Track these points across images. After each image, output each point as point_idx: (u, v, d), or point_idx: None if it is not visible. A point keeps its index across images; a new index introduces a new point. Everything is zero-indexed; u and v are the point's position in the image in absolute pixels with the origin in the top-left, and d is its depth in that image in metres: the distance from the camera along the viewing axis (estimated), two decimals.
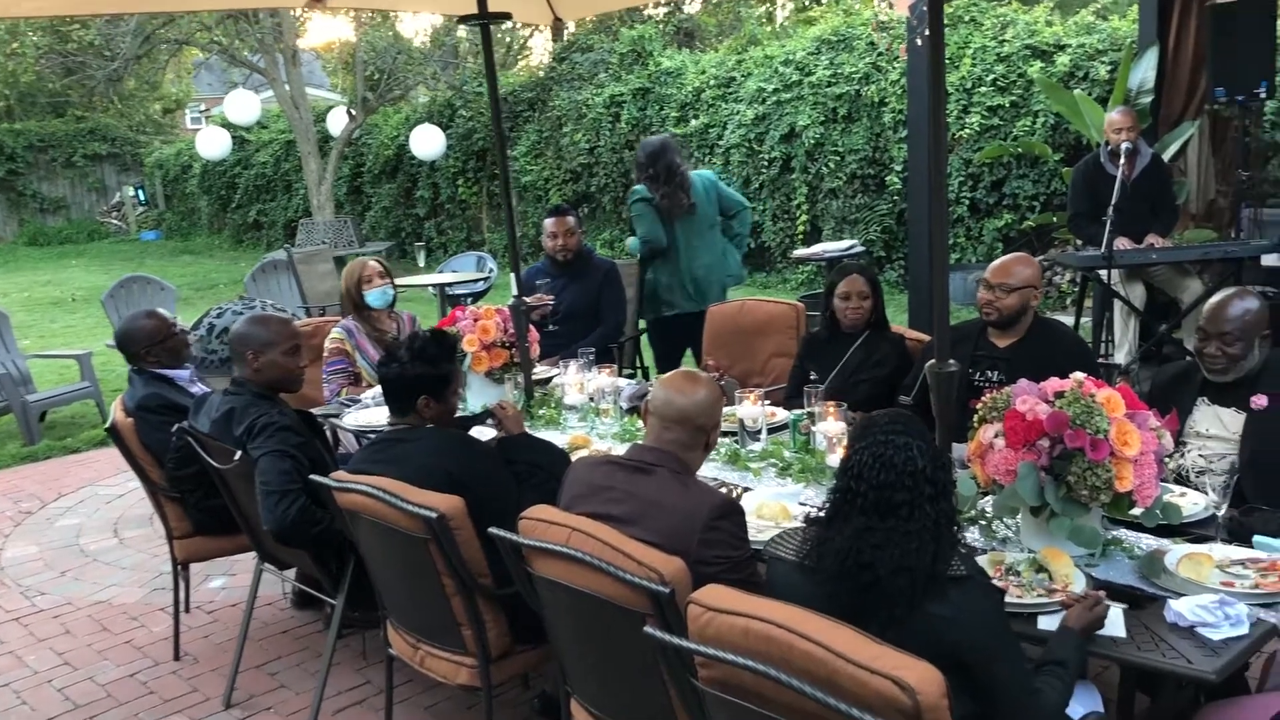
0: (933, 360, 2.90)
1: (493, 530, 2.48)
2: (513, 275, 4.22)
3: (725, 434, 3.65)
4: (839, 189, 10.29)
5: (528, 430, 3.41)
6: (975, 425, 2.71)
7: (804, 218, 10.59)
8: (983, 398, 2.76)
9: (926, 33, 5.08)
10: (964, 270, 9.04)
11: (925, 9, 4.95)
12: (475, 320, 4.17)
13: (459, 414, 3.27)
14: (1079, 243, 6.29)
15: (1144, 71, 6.77)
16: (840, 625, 1.79)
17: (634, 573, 2.21)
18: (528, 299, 5.13)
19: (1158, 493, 2.58)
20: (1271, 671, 2.28)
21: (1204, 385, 3.24)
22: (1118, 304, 5.95)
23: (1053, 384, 2.65)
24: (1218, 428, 3.18)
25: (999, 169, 9.19)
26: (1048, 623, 2.27)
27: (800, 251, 8.01)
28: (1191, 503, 2.85)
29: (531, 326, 4.47)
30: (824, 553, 1.98)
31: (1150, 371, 4.79)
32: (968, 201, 9.40)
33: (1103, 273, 5.70)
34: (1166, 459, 2.60)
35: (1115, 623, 2.26)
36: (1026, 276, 3.73)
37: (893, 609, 1.87)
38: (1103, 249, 5.47)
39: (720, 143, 11.23)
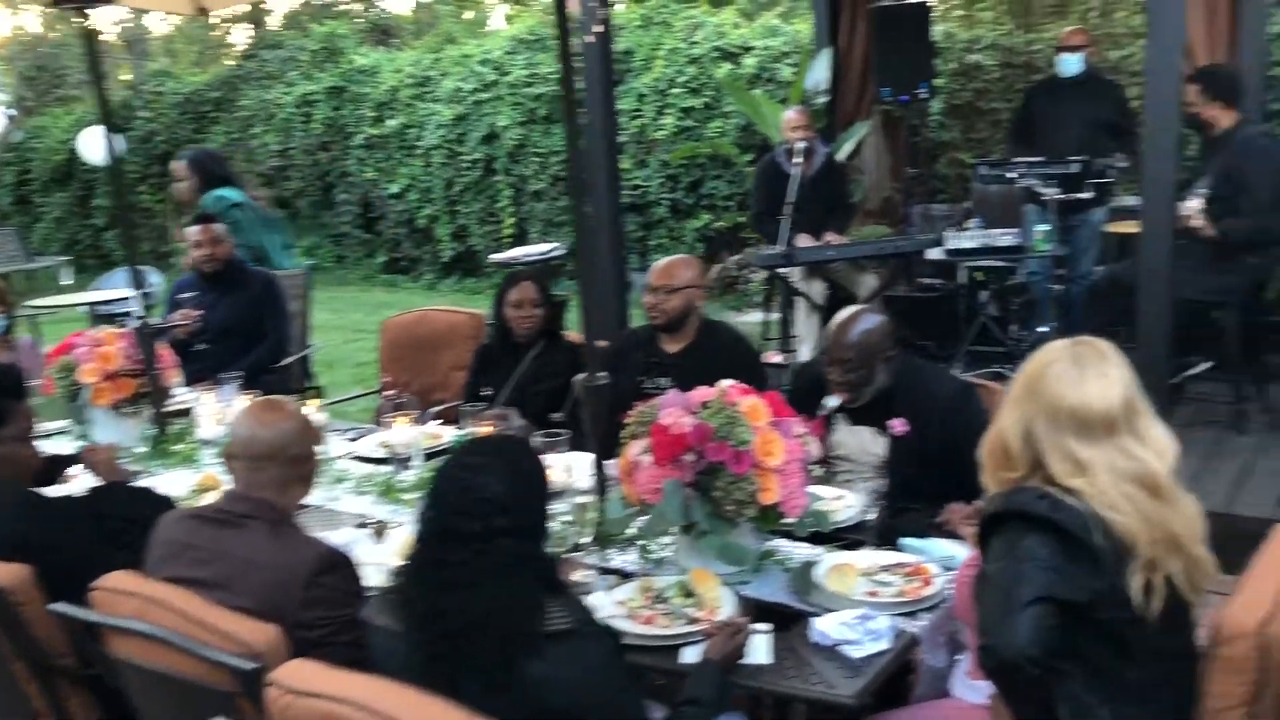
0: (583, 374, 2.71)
1: (54, 606, 2.08)
2: (136, 293, 3.73)
3: (378, 461, 3.35)
4: (543, 191, 10.15)
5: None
6: (623, 441, 2.54)
7: (510, 221, 10.38)
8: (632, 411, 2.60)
9: (596, 29, 4.99)
10: None
11: (593, 4, 4.84)
12: (96, 346, 3.65)
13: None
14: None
15: (819, 73, 6.98)
16: (433, 700, 1.54)
17: (217, 647, 1.88)
18: (174, 315, 4.62)
19: (807, 501, 2.49)
20: (920, 680, 2.22)
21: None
22: (802, 301, 6.07)
23: (699, 394, 2.52)
24: (858, 450, 3.08)
25: (695, 170, 9.32)
26: (693, 654, 2.11)
27: (498, 256, 7.79)
28: (847, 506, 2.80)
29: (171, 348, 3.99)
30: (404, 603, 1.72)
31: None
32: (668, 202, 9.48)
33: (784, 270, 5.79)
34: (812, 466, 2.52)
35: (760, 648, 2.13)
36: (688, 277, 3.63)
37: (489, 673, 1.63)
38: (782, 246, 5.55)
39: (420, 144, 10.84)
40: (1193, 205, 4.64)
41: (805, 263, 5.77)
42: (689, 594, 2.30)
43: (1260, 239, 4.67)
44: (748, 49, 9.21)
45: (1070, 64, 6.02)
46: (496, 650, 1.62)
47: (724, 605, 2.25)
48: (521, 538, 1.70)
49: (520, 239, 10.32)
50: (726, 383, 2.56)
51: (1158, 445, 1.89)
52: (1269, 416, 4.96)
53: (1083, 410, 1.88)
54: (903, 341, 3.18)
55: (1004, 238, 5.65)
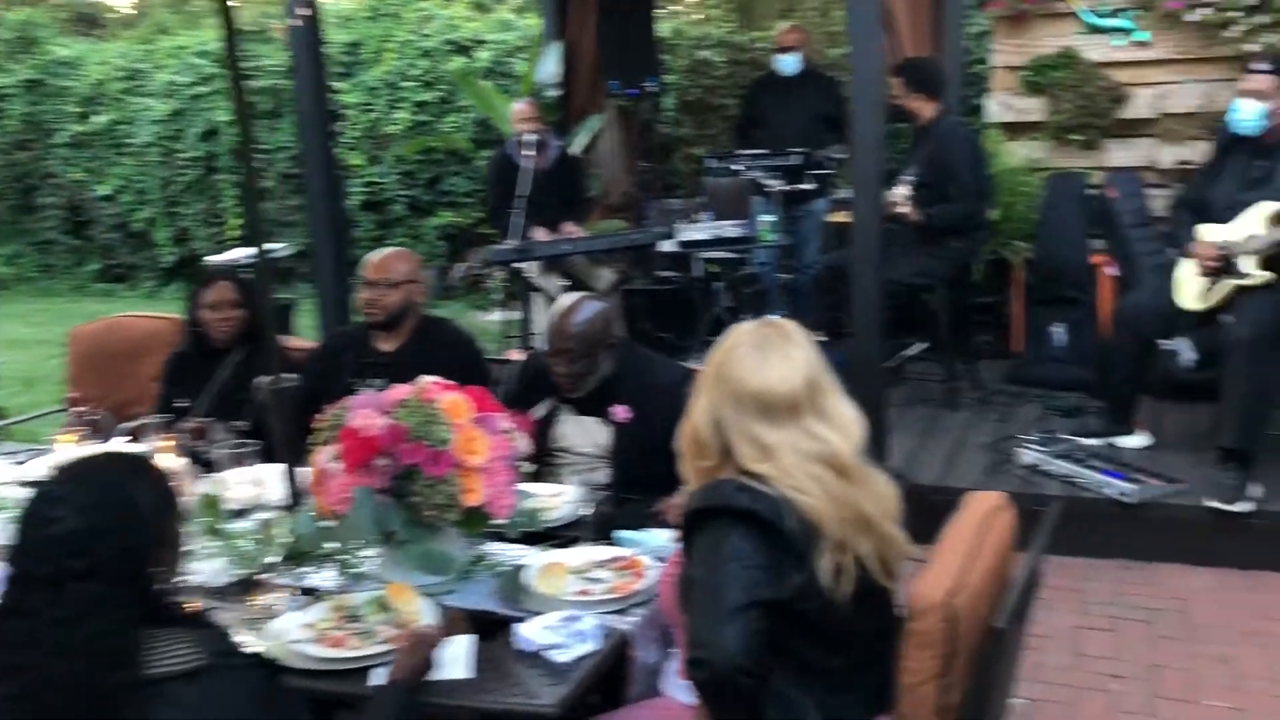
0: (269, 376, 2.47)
1: None
2: None
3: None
4: (270, 190, 9.59)
5: None
6: (312, 448, 2.32)
7: (235, 222, 9.76)
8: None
9: (303, 11, 4.69)
10: None
11: None
12: None
13: None
14: None
15: (550, 66, 6.89)
16: None
17: None
18: None
19: (516, 501, 2.35)
20: (635, 678, 2.13)
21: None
22: (540, 297, 5.96)
23: (394, 393, 2.33)
24: (586, 442, 3.02)
25: (433, 166, 9.06)
26: (383, 676, 1.93)
27: (215, 259, 7.28)
28: (566, 502, 2.69)
29: None
30: None
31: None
32: (406, 200, 9.17)
33: (522, 265, 5.67)
34: (522, 463, 2.38)
35: (458, 661, 1.97)
36: (406, 271, 3.44)
37: None
38: (516, 241, 5.42)
39: (132, 141, 10.03)
40: (900, 192, 4.83)
41: (541, 257, 5.66)
42: (385, 610, 2.12)
43: (964, 224, 4.91)
44: (481, 42, 9.03)
45: (787, 64, 6.18)
46: (82, 707, 1.39)
47: (423, 618, 2.08)
48: (107, 578, 1.46)
49: (250, 240, 9.72)
50: (427, 379, 2.39)
51: (843, 424, 1.87)
52: (979, 393, 5.24)
53: (765, 393, 1.84)
54: (642, 335, 3.13)
55: (733, 229, 5.75)
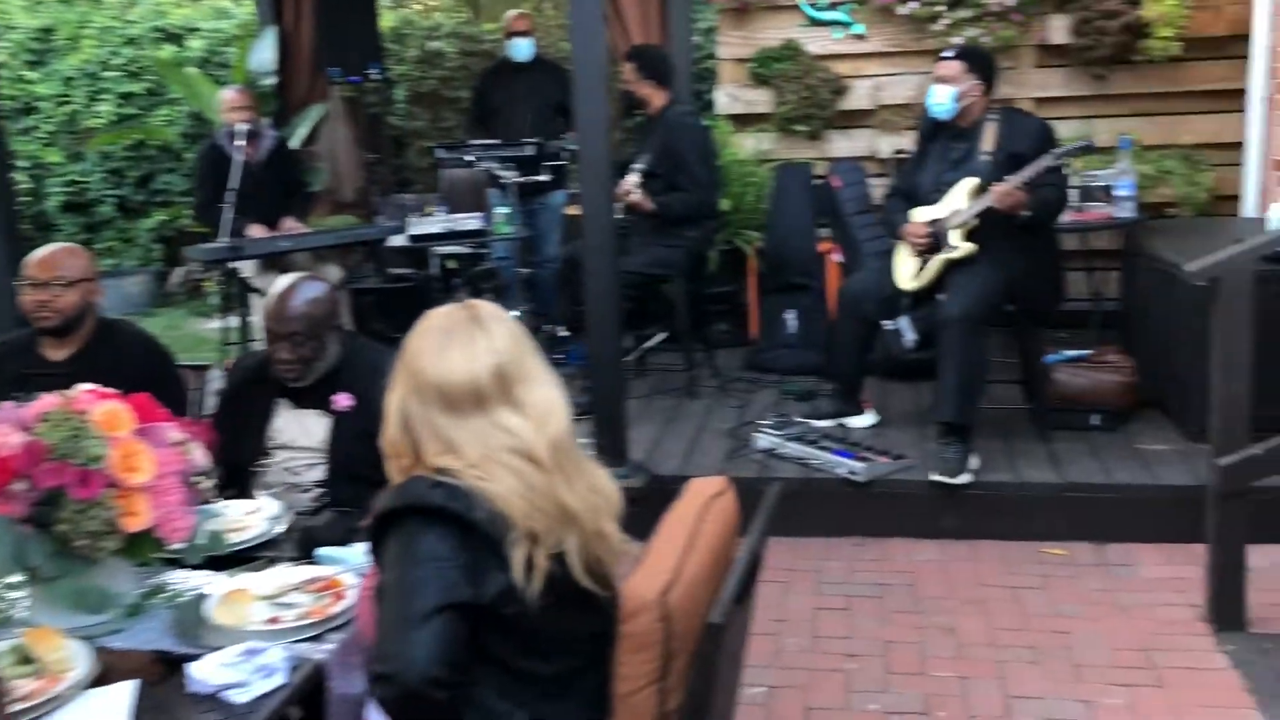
0: None
1: None
2: None
3: None
4: None
5: None
6: None
7: None
8: None
9: None
10: (120, 276, 8.07)
11: None
12: None
13: None
14: None
15: (263, 53, 6.45)
16: None
17: None
18: None
19: (194, 522, 2.07)
20: (333, 713, 1.89)
21: (283, 386, 2.84)
22: (259, 299, 5.54)
23: (39, 405, 2.00)
24: (303, 436, 2.78)
25: (144, 163, 8.35)
26: None
27: None
28: (265, 518, 2.41)
29: None
30: None
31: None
32: (114, 200, 8.41)
33: (236, 265, 5.25)
34: (198, 478, 2.09)
35: (116, 713, 1.68)
36: (81, 268, 3.05)
37: None
38: (227, 239, 5.00)
39: None
40: (630, 181, 4.77)
41: (254, 255, 5.25)
42: (26, 660, 1.79)
43: (696, 213, 4.90)
44: (193, 30, 8.39)
45: (520, 49, 6.02)
46: None
47: (75, 667, 1.77)
48: None
49: None
50: (81, 388, 2.07)
51: (541, 415, 1.71)
52: (718, 381, 5.26)
53: (445, 384, 1.68)
54: (375, 335, 2.91)
55: (467, 222, 5.53)
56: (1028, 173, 3.86)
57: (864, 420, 4.55)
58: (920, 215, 4.23)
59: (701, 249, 5.06)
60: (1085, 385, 4.39)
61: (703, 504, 1.81)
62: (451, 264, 6.21)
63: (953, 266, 4.12)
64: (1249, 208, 5.40)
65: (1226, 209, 5.67)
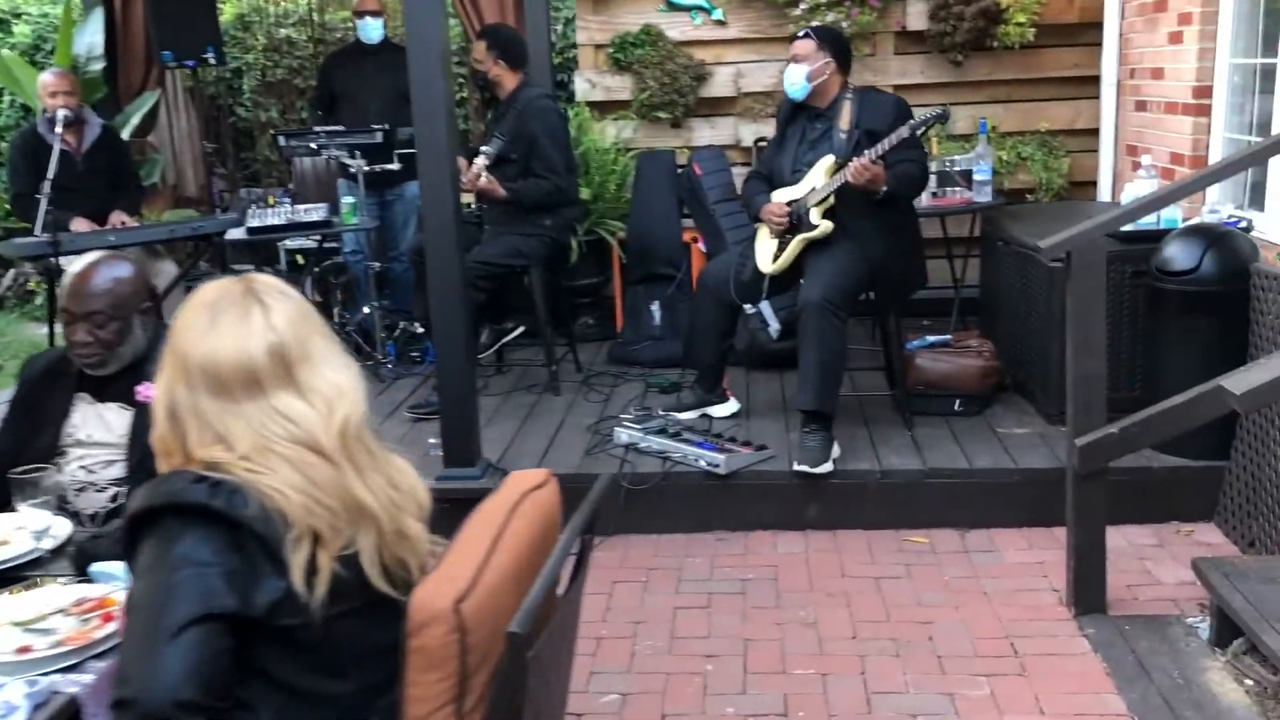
0: None
1: None
2: None
3: None
4: None
5: None
6: None
7: None
8: None
9: None
10: None
11: None
12: None
13: None
14: None
15: (91, 36, 6.02)
16: None
17: None
18: None
19: None
20: None
21: (82, 379, 2.55)
22: None
23: None
24: (102, 431, 2.51)
25: None
26: None
27: None
28: (30, 533, 2.12)
29: None
30: None
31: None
32: None
33: (57, 261, 4.84)
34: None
35: None
36: None
37: None
38: (43, 233, 4.62)
39: None
40: (477, 165, 4.54)
41: (77, 251, 4.83)
42: None
43: (552, 200, 4.69)
44: (18, 15, 7.84)
45: (370, 29, 5.73)
46: None
47: None
48: None
49: None
50: None
51: (330, 399, 1.50)
52: (582, 375, 5.07)
53: (213, 364, 1.45)
54: (154, 296, 2.62)
55: (311, 213, 5.23)
56: (883, 145, 3.78)
57: (727, 409, 4.42)
58: (779, 196, 4.12)
59: (560, 238, 4.86)
60: (946, 370, 4.34)
61: (515, 500, 1.62)
62: (300, 259, 5.92)
63: (812, 249, 4.02)
64: (1104, 192, 5.46)
65: (1083, 194, 5.73)
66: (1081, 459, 3.04)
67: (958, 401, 4.30)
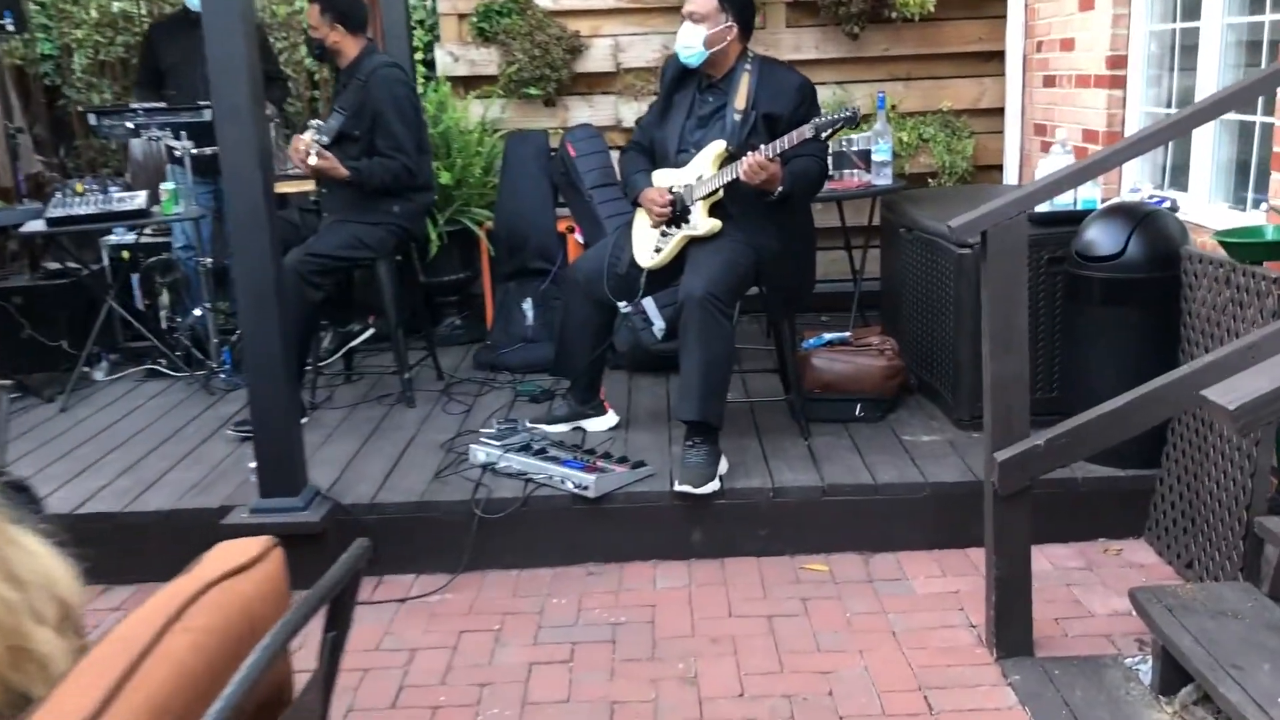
0: None
1: None
2: None
3: None
4: None
5: None
6: None
7: None
8: None
9: None
10: None
11: None
12: None
13: None
14: None
15: None
16: None
17: None
18: None
19: None
20: None
21: None
22: None
23: None
24: None
25: None
26: None
27: None
28: None
29: None
30: None
31: None
32: None
33: None
34: None
35: None
36: None
37: None
38: None
39: None
40: (304, 139, 3.93)
41: None
42: None
43: (399, 184, 4.10)
44: None
45: None
46: None
47: None
48: None
49: None
50: None
51: None
52: (443, 383, 4.50)
53: None
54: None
55: (126, 202, 4.55)
56: (782, 144, 3.28)
57: (604, 422, 3.89)
58: (662, 179, 3.61)
59: (412, 227, 4.25)
60: (845, 371, 3.87)
61: (188, 597, 1.05)
62: (125, 255, 5.21)
63: (695, 242, 3.51)
64: (1011, 175, 5.07)
65: (989, 178, 5.35)
66: (1002, 476, 2.57)
67: (859, 406, 3.84)
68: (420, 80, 5.32)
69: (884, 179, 4.47)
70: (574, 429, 3.85)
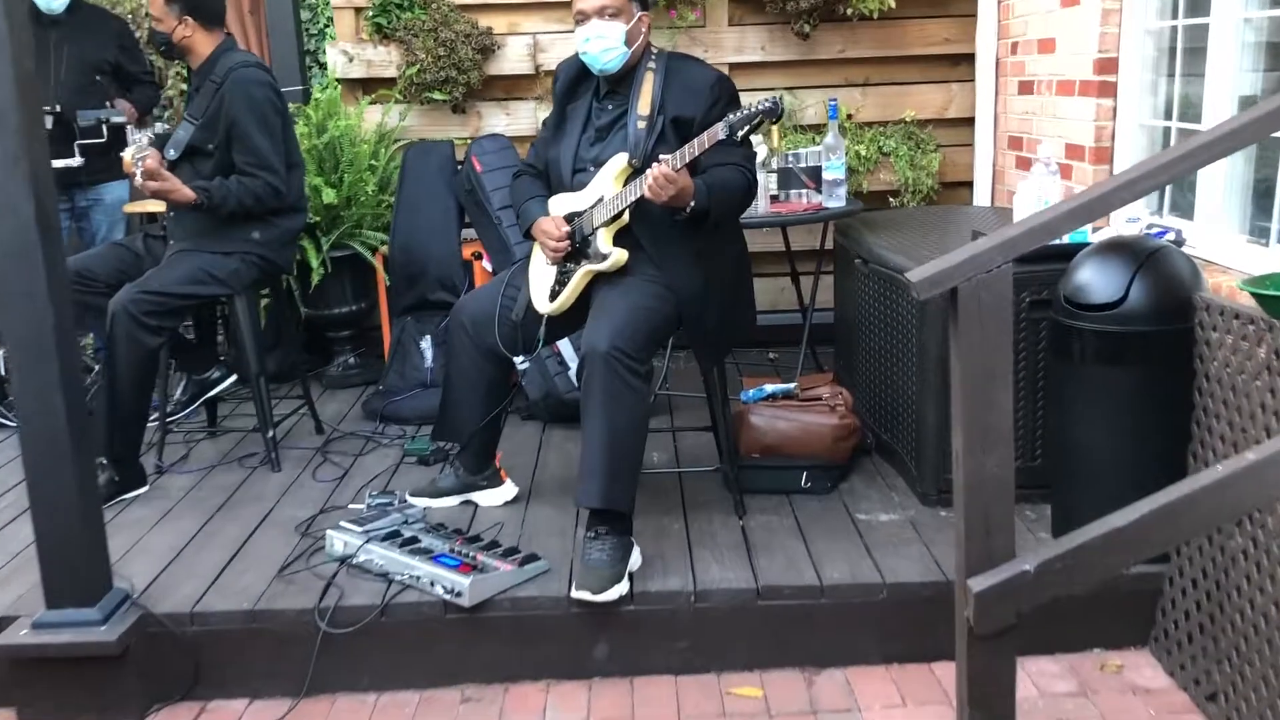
0: None
1: None
2: None
3: None
4: None
5: None
6: None
7: None
8: None
9: None
10: None
11: None
12: None
13: None
14: None
15: None
16: None
17: None
18: None
19: None
20: None
21: None
22: None
23: None
24: None
25: None
26: None
27: None
28: None
29: None
30: None
31: None
32: None
33: None
34: None
35: None
36: None
37: None
38: None
39: None
40: (129, 153, 3.24)
41: None
42: None
43: (263, 206, 3.43)
44: None
45: None
46: None
47: None
48: None
49: None
50: None
51: None
52: (320, 440, 3.83)
53: None
54: None
55: None
56: (689, 151, 2.64)
57: (500, 495, 3.24)
58: (559, 205, 2.97)
59: (276, 258, 3.56)
60: (789, 432, 3.24)
61: None
62: None
63: (601, 276, 2.87)
64: (982, 194, 4.47)
65: (957, 197, 4.75)
66: (979, 611, 1.93)
67: (805, 475, 3.20)
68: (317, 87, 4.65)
69: (837, 200, 3.84)
70: (463, 503, 3.20)
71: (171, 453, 3.70)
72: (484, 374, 3.07)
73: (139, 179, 3.15)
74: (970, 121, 4.64)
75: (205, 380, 3.78)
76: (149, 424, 3.43)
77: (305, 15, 6.81)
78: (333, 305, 4.38)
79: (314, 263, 4.10)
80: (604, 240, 2.83)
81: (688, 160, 2.64)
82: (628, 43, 2.85)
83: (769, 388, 3.40)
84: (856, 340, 3.69)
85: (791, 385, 3.40)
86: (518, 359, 3.01)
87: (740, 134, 2.59)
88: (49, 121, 3.98)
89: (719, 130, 2.61)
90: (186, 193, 3.28)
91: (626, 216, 2.80)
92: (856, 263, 3.64)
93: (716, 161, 2.74)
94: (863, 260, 3.57)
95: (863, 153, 4.55)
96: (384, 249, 4.29)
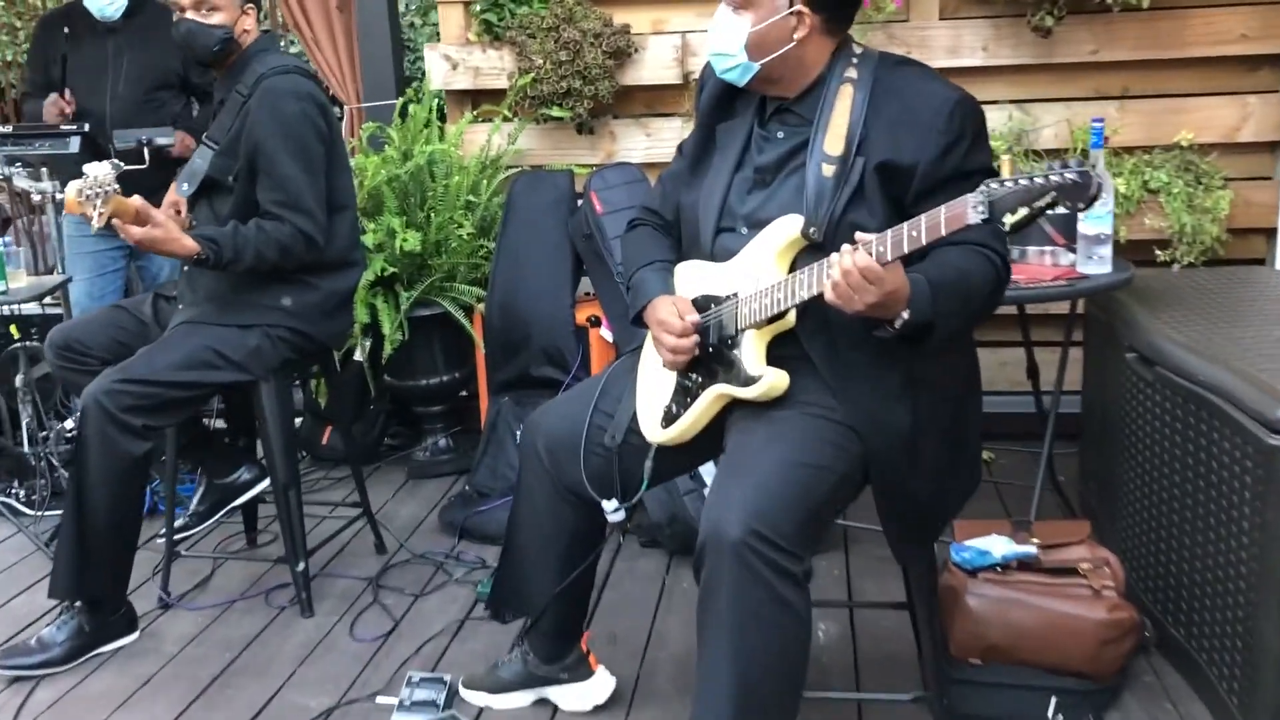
0: None
1: None
2: None
3: None
4: None
5: None
6: None
7: None
8: None
9: None
10: None
11: None
12: None
13: None
14: None
15: None
16: None
17: None
18: None
19: None
20: None
21: None
22: None
23: None
24: None
25: None
26: None
27: None
28: None
29: None
30: None
31: None
32: None
33: None
34: None
35: None
36: None
37: None
38: None
39: None
40: (71, 188, 2.31)
41: None
42: None
43: (293, 259, 2.52)
44: None
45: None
46: None
47: None
48: None
49: None
50: None
51: None
52: (381, 564, 2.92)
53: None
54: None
55: None
56: (916, 233, 1.55)
57: (589, 692, 2.22)
58: (688, 280, 1.93)
59: (316, 330, 2.65)
60: (1030, 627, 2.11)
61: None
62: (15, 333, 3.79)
63: (739, 408, 1.82)
64: None
65: (1250, 249, 3.48)
66: None
67: (1053, 701, 2.07)
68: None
69: (1100, 263, 2.64)
70: (537, 702, 2.21)
71: (188, 576, 2.85)
72: (563, 523, 2.07)
73: (96, 222, 2.26)
74: (1272, 147, 3.39)
75: (231, 485, 2.91)
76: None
77: (414, 18, 6.02)
78: (419, 375, 3.49)
79: (387, 327, 3.20)
80: (753, 352, 1.77)
81: (905, 252, 1.56)
82: (750, 51, 1.79)
83: (999, 546, 2.26)
84: (1121, 461, 2.51)
85: (1031, 548, 2.26)
86: (609, 505, 1.99)
87: (1008, 218, 1.49)
88: (74, 143, 3.23)
89: (969, 210, 1.51)
90: (186, 243, 2.40)
91: (792, 318, 1.75)
92: (1130, 358, 2.47)
93: (950, 241, 1.64)
94: (1141, 358, 2.40)
95: (1121, 189, 3.34)
96: (481, 307, 3.37)
